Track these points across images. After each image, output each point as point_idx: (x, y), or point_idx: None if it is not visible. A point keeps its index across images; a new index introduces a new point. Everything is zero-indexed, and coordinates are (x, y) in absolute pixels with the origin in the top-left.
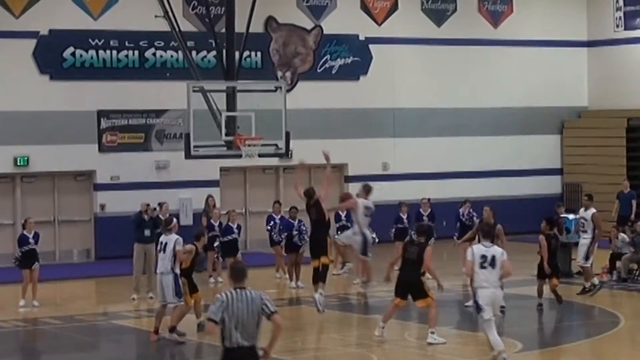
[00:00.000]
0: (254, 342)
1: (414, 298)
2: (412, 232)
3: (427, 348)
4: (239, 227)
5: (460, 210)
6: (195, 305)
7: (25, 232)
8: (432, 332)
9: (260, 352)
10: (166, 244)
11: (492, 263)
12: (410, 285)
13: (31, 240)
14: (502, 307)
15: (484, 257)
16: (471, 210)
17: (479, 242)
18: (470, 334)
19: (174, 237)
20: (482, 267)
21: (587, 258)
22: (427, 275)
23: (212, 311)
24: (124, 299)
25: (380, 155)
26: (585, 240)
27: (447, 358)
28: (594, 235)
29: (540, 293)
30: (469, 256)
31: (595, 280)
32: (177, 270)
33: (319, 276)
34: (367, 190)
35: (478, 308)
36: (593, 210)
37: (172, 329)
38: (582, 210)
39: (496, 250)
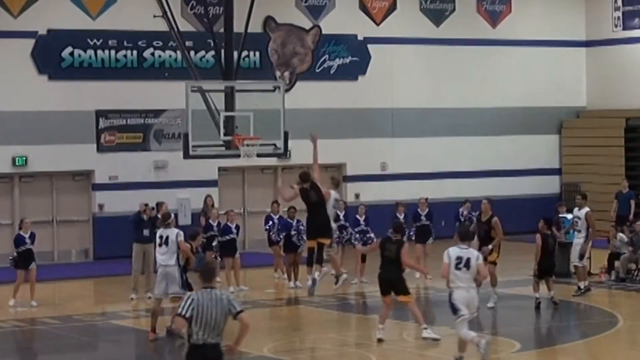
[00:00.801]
0: (219, 340)
1: (396, 293)
2: (390, 231)
3: (425, 348)
4: (237, 227)
5: (460, 210)
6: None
7: (21, 232)
8: (425, 328)
9: (224, 348)
10: (167, 237)
11: (467, 265)
12: (392, 282)
13: (27, 241)
14: (491, 307)
15: (459, 258)
16: (471, 210)
17: (482, 241)
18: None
19: (174, 230)
20: (457, 268)
21: (581, 257)
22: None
23: (183, 307)
24: (122, 299)
25: (379, 155)
26: (579, 239)
27: (446, 358)
28: (587, 234)
29: (549, 288)
30: (445, 258)
31: (581, 284)
32: (182, 263)
33: (316, 258)
34: (336, 184)
35: (453, 309)
36: (587, 209)
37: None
38: (575, 209)
39: (472, 253)
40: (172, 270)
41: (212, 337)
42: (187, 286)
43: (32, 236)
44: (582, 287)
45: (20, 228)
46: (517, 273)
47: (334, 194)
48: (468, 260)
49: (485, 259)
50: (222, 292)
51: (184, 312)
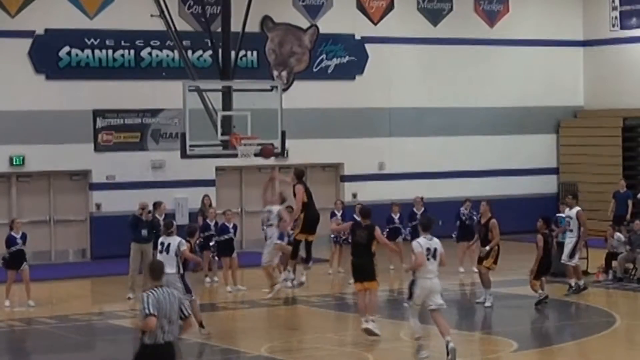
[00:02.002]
0: (176, 338)
1: (364, 279)
2: (355, 215)
3: (422, 347)
4: (235, 227)
5: (462, 210)
6: None
7: (12, 233)
8: (373, 320)
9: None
10: (169, 244)
11: (434, 255)
12: (363, 266)
13: (19, 241)
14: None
15: (428, 249)
16: (472, 209)
17: (482, 243)
18: (467, 333)
19: (177, 238)
20: (427, 258)
21: (572, 256)
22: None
23: (149, 306)
24: (119, 299)
25: (376, 155)
26: (571, 239)
27: (442, 357)
28: (579, 233)
29: (541, 286)
30: (417, 248)
31: (572, 282)
32: (182, 271)
33: (306, 255)
34: (282, 199)
35: (410, 294)
36: (577, 208)
37: (201, 324)
38: (566, 209)
39: (437, 243)
40: (172, 278)
41: (171, 334)
42: (189, 290)
43: (24, 236)
44: (572, 284)
45: (11, 228)
46: (514, 272)
47: (275, 208)
48: (435, 250)
49: (480, 262)
50: (175, 292)
51: (151, 311)
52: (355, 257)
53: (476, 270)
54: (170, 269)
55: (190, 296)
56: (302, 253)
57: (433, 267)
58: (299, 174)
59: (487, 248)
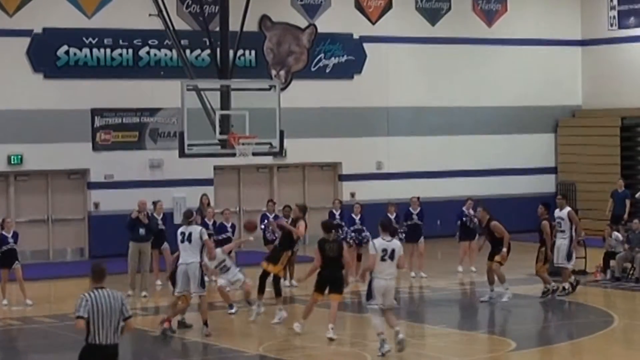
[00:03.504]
0: (117, 340)
1: (331, 291)
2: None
3: (421, 347)
4: (233, 226)
5: (464, 209)
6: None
7: (4, 232)
8: (332, 328)
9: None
10: (190, 233)
11: (392, 256)
12: (335, 280)
13: (10, 240)
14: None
15: (385, 250)
16: (473, 208)
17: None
18: (465, 332)
19: (197, 227)
20: (383, 259)
21: (569, 258)
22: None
23: (79, 308)
24: None
25: (374, 154)
26: (563, 240)
27: (442, 357)
28: (571, 234)
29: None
30: (372, 250)
31: (566, 285)
32: (205, 260)
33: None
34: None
35: (369, 295)
36: (568, 208)
37: (205, 322)
38: (557, 210)
39: (396, 244)
40: (193, 267)
41: (110, 337)
42: (203, 284)
43: (15, 235)
44: (567, 287)
45: (2, 227)
46: (512, 272)
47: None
48: (393, 251)
49: (491, 258)
50: (116, 293)
51: (81, 313)
52: (329, 271)
53: (474, 269)
54: (193, 257)
55: (202, 290)
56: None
57: (389, 268)
58: (303, 209)
59: (505, 249)
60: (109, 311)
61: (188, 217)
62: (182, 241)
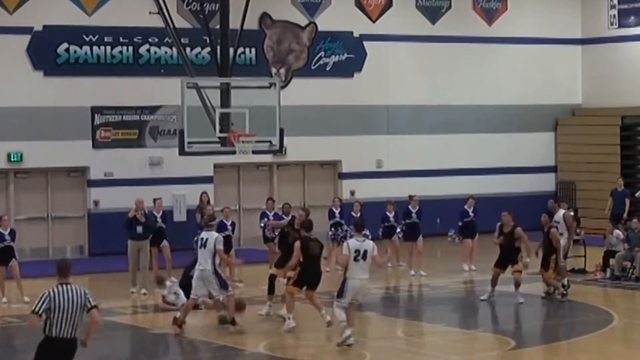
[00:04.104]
0: (75, 334)
1: (309, 287)
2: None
3: (420, 345)
4: (233, 224)
5: (466, 207)
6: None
7: (0, 230)
8: (325, 313)
9: (79, 342)
10: (207, 239)
11: (364, 256)
12: (317, 278)
13: (7, 237)
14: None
15: (357, 251)
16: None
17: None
18: (464, 331)
19: (214, 234)
20: (356, 260)
21: (566, 257)
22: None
23: (37, 304)
24: (117, 296)
25: (374, 152)
26: (562, 241)
27: (441, 355)
28: (569, 235)
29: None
30: (345, 250)
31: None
32: (217, 268)
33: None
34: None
35: (340, 294)
36: (562, 210)
37: (233, 321)
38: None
39: (368, 245)
40: (207, 274)
41: (68, 332)
42: (225, 286)
43: (12, 233)
44: (564, 292)
45: None
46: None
47: None
48: (365, 252)
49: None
50: (80, 287)
51: (37, 309)
52: (309, 268)
53: (475, 268)
54: (205, 264)
55: (226, 291)
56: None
57: (360, 268)
58: (307, 227)
59: (528, 260)
60: (69, 306)
61: (210, 221)
62: (200, 247)
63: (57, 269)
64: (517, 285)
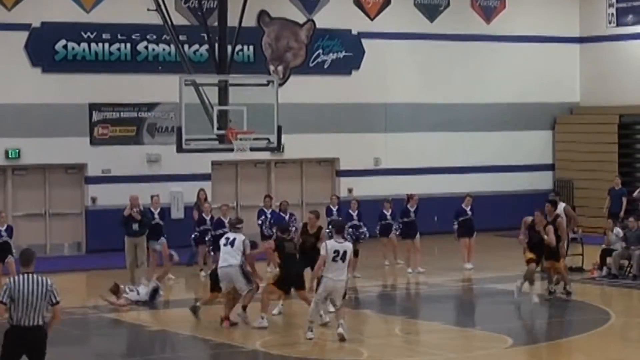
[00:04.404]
0: (39, 322)
1: (297, 289)
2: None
3: (416, 343)
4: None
5: (463, 206)
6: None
7: None
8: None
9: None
10: (234, 239)
11: (343, 257)
12: (299, 276)
13: (4, 234)
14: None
15: (336, 252)
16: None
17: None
18: (461, 329)
19: (241, 236)
20: (334, 260)
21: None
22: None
23: (2, 294)
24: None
25: (372, 150)
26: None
27: (437, 353)
28: (569, 226)
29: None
30: (322, 251)
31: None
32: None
33: None
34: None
35: (316, 289)
36: (563, 204)
37: (244, 308)
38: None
39: (348, 246)
40: (231, 270)
41: (31, 320)
42: (250, 281)
43: (9, 229)
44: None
45: None
46: (509, 269)
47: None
48: (345, 253)
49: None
50: (44, 279)
51: (3, 298)
52: (289, 268)
53: (471, 266)
54: (234, 260)
55: (251, 285)
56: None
57: (338, 269)
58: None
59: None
60: (30, 295)
61: (237, 223)
62: (225, 245)
63: (20, 258)
64: (532, 282)
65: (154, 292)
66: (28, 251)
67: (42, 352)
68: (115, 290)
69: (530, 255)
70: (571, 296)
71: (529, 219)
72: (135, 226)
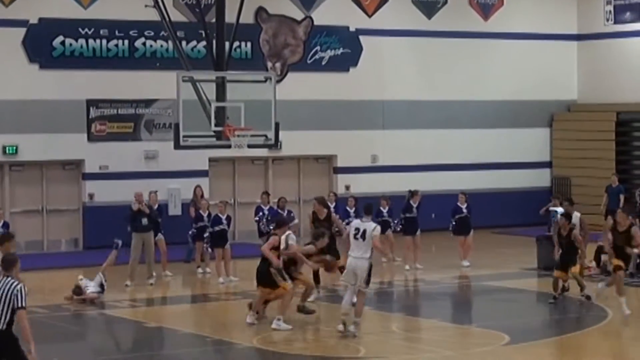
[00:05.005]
0: (4, 327)
1: (260, 284)
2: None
3: (415, 340)
4: (228, 218)
5: (458, 204)
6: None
7: None
8: (279, 319)
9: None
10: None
11: (363, 235)
12: (259, 274)
13: (0, 230)
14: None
15: (357, 229)
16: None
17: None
18: (458, 326)
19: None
20: (355, 238)
21: None
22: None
23: None
24: (112, 288)
25: (369, 147)
26: None
27: (434, 349)
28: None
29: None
30: (347, 228)
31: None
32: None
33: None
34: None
35: (342, 271)
36: (578, 214)
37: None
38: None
39: (369, 226)
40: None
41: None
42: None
43: (6, 226)
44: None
45: None
46: (507, 266)
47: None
48: (364, 231)
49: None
50: (15, 284)
51: None
52: (259, 264)
53: (468, 264)
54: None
55: (287, 282)
56: None
57: (357, 247)
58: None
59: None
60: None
61: (281, 225)
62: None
63: (2, 262)
64: (622, 293)
65: (101, 286)
66: (11, 255)
67: (13, 356)
68: (79, 292)
69: (617, 262)
70: (590, 300)
71: (610, 220)
72: (145, 221)
